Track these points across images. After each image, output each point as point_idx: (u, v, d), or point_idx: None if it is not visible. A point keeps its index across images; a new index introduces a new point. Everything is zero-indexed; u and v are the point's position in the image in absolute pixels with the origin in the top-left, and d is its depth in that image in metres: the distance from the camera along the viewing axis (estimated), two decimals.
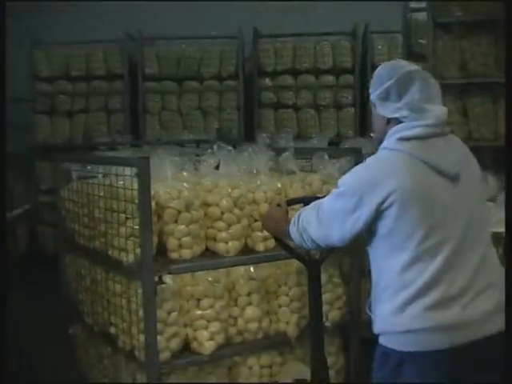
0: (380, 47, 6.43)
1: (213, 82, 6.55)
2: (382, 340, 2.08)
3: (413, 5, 5.74)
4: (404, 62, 2.21)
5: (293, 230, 2.31)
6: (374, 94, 2.14)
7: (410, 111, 2.07)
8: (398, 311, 2.01)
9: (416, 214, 1.98)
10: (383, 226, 2.02)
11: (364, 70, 6.45)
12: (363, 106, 6.41)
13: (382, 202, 1.99)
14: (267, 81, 6.55)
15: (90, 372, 3.15)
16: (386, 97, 2.11)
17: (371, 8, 6.36)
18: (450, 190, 2.05)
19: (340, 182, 2.14)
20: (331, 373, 2.89)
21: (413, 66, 2.15)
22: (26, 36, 6.41)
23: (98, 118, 6.58)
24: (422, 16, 5.47)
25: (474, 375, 2.02)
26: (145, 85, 6.55)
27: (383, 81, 2.12)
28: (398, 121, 2.09)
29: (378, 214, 2.01)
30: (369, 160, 2.12)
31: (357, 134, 6.34)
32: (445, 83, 4.83)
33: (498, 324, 2.05)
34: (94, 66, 6.54)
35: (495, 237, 2.94)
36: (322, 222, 2.18)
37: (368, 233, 2.09)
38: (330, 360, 2.88)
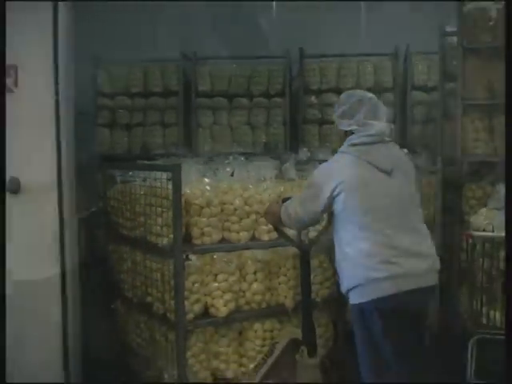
0: (420, 67, 7.47)
1: (261, 98, 7.69)
2: (352, 300, 3.27)
3: (448, 28, 6.79)
4: (360, 91, 3.46)
5: (283, 217, 3.53)
6: (336, 114, 3.39)
7: (358, 126, 3.30)
8: (356, 267, 3.20)
9: (358, 198, 3.18)
10: (337, 207, 3.24)
11: (404, 89, 7.51)
12: (403, 122, 7.47)
13: (334, 190, 3.22)
14: (312, 98, 7.64)
15: (128, 336, 4.39)
16: (342, 116, 3.37)
17: (412, 30, 7.43)
18: (386, 181, 3.25)
19: (309, 177, 3.38)
20: (322, 340, 4.06)
21: (366, 95, 3.39)
22: (90, 55, 7.73)
23: (154, 131, 7.82)
24: (455, 39, 6.49)
25: (416, 315, 3.25)
26: (198, 101, 7.74)
27: (341, 105, 3.37)
28: (351, 132, 3.31)
29: (333, 198, 3.21)
30: (329, 160, 3.36)
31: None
32: (473, 103, 5.89)
33: (430, 280, 3.29)
34: (152, 83, 7.79)
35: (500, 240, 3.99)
36: (299, 209, 3.40)
37: (329, 213, 3.31)
38: (321, 329, 4.05)
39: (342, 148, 3.38)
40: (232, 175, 3.89)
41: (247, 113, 7.72)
